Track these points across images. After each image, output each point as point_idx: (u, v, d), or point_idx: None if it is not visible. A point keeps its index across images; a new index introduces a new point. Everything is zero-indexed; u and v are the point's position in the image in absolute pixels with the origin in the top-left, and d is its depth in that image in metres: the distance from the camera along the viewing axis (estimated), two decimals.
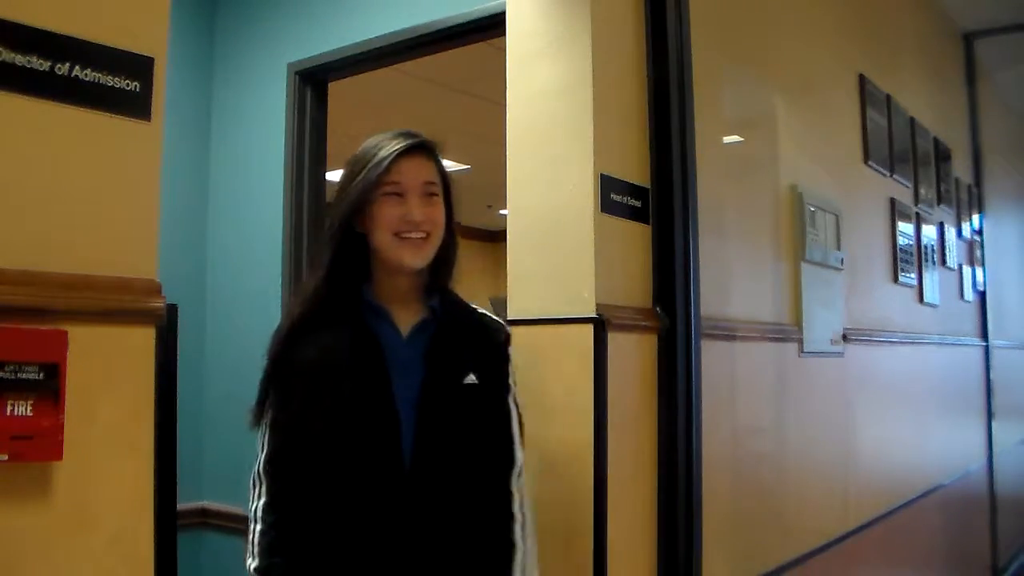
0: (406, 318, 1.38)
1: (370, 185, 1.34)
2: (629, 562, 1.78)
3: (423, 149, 1.39)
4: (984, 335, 4.55)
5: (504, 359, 1.45)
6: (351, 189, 1.36)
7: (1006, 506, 4.61)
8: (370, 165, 1.35)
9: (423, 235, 1.36)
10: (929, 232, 3.84)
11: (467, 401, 1.36)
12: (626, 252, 1.87)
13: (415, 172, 1.37)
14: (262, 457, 1.35)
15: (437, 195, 1.39)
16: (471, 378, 1.36)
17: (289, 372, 1.34)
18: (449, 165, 5.02)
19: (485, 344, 1.43)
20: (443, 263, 1.42)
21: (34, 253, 0.97)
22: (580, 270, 1.76)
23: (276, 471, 1.33)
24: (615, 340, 1.75)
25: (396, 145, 1.37)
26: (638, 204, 1.91)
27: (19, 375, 0.92)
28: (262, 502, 1.33)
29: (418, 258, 1.36)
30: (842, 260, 2.83)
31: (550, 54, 1.86)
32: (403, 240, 1.34)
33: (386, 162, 1.34)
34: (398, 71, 2.84)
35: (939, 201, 4.03)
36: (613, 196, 1.83)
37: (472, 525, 1.36)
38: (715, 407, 2.02)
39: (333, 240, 1.38)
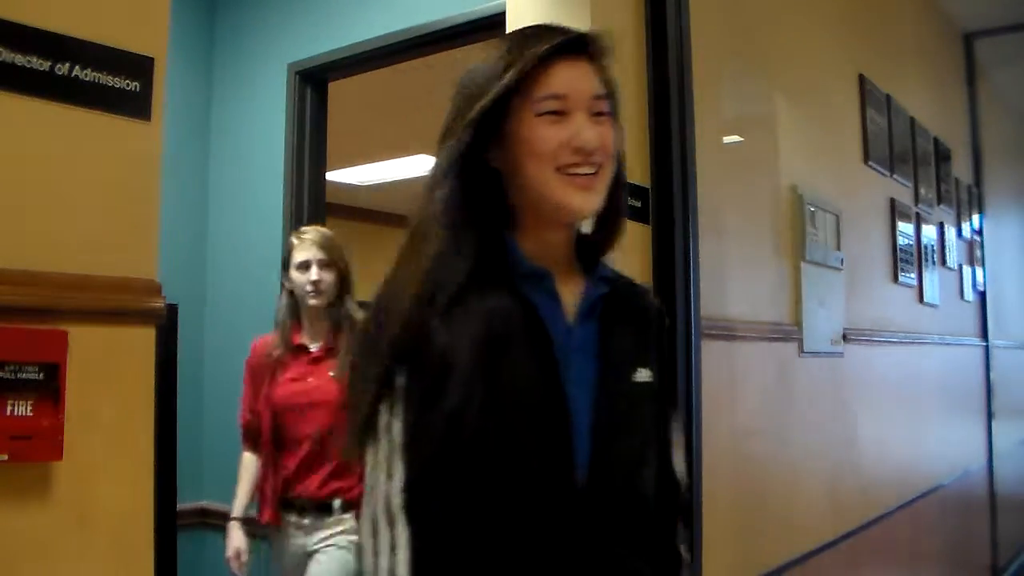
0: (565, 289, 1.00)
1: (513, 95, 0.93)
2: None
3: (588, 49, 0.97)
4: (984, 335, 4.55)
5: (665, 353, 1.11)
6: (478, 106, 0.94)
7: (1006, 506, 4.61)
8: (515, 68, 0.93)
9: (594, 170, 0.95)
10: (929, 232, 3.84)
11: (642, 403, 1.03)
12: (626, 252, 1.87)
13: (582, 81, 0.95)
14: (391, 487, 0.90)
15: (606, 114, 0.97)
16: (643, 374, 1.02)
17: (430, 361, 0.91)
18: None
19: (654, 331, 1.08)
20: (613, 211, 1.03)
21: (34, 253, 0.97)
22: None
23: (423, 504, 0.90)
24: None
25: (552, 40, 0.94)
26: (638, 204, 1.91)
27: (19, 375, 0.92)
28: (403, 556, 0.89)
29: (590, 201, 0.96)
30: (842, 260, 2.83)
31: None
32: (569, 177, 0.94)
33: (538, 63, 0.93)
34: (398, 71, 2.84)
35: (939, 201, 4.04)
36: None
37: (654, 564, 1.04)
38: (715, 407, 2.02)
39: (454, 174, 0.95)
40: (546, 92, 0.94)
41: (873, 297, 3.19)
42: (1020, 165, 5.96)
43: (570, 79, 0.95)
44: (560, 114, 0.94)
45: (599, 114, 0.97)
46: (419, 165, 6.05)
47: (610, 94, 0.99)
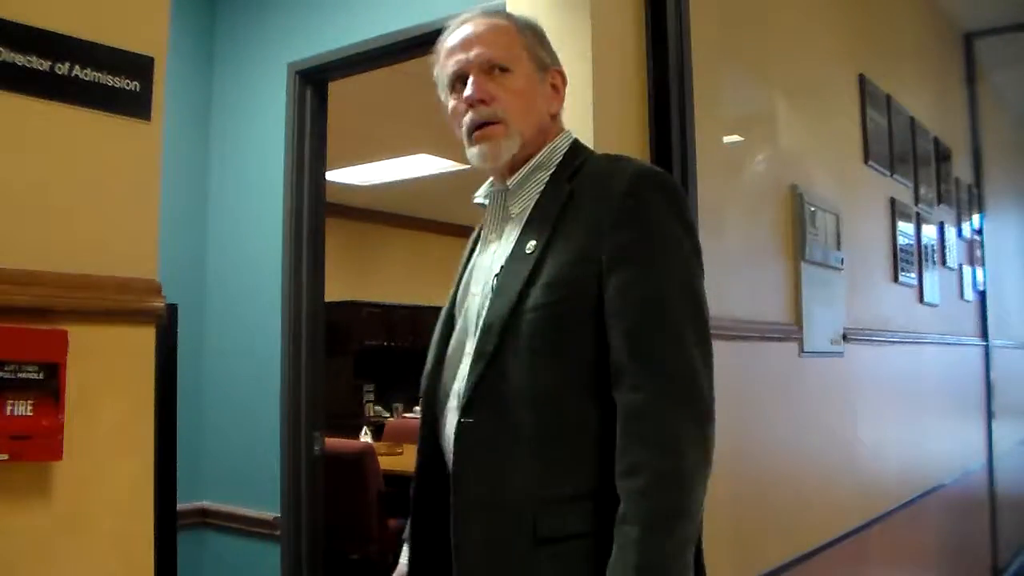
0: None
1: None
2: None
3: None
4: (984, 335, 4.55)
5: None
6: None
7: (1006, 506, 4.61)
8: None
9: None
10: (929, 232, 3.84)
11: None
12: None
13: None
14: None
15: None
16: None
17: None
18: (449, 165, 5.08)
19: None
20: None
21: (34, 253, 0.97)
22: None
23: None
24: None
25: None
26: None
27: (19, 375, 0.92)
28: None
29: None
30: (842, 260, 2.83)
31: None
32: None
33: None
34: (398, 71, 2.83)
35: (939, 201, 4.03)
36: None
37: None
38: (715, 407, 2.01)
39: None
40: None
41: (873, 297, 3.19)
42: (1020, 165, 5.95)
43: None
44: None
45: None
46: (419, 165, 6.04)
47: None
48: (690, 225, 1.21)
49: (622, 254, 1.15)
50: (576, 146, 1.32)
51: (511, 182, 1.28)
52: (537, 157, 1.27)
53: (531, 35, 1.32)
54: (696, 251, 1.21)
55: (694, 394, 1.13)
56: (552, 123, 1.31)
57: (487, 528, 1.13)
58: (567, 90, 1.35)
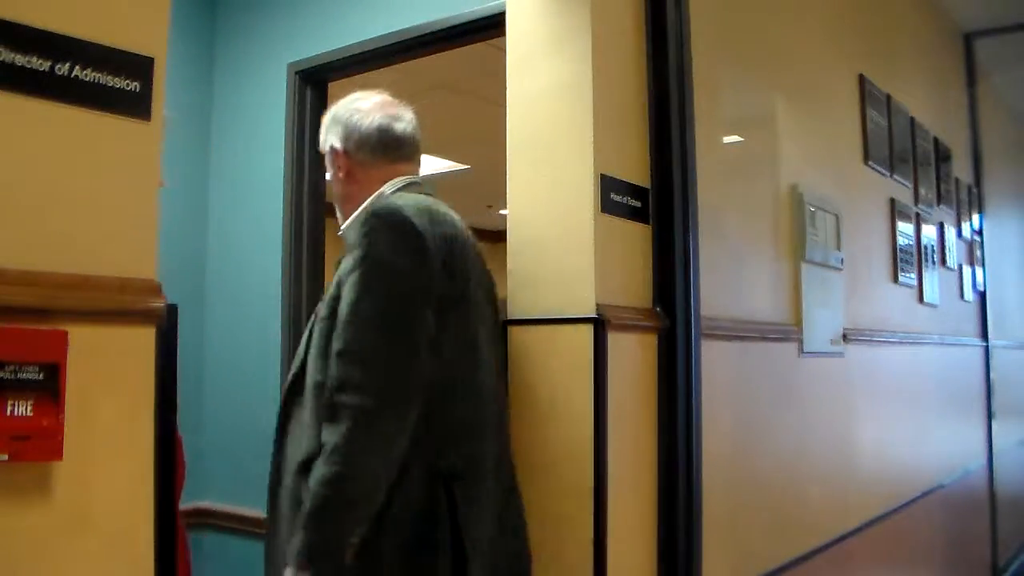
0: None
1: None
2: (629, 562, 1.78)
3: None
4: (984, 335, 4.55)
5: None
6: None
7: (1006, 506, 4.61)
8: None
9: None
10: (929, 232, 3.84)
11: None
12: (626, 252, 1.87)
13: None
14: None
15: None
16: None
17: None
18: (449, 165, 5.05)
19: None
20: None
21: (34, 253, 0.97)
22: (580, 270, 1.76)
23: None
24: (615, 340, 1.74)
25: None
26: (638, 204, 1.91)
27: (19, 375, 0.92)
28: None
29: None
30: (842, 260, 2.83)
31: (550, 54, 1.85)
32: None
33: None
34: (398, 71, 2.83)
35: (939, 201, 4.03)
36: (613, 196, 1.82)
37: None
38: (715, 407, 2.02)
39: None
40: None
41: (873, 297, 3.19)
42: (1020, 165, 5.95)
43: None
44: None
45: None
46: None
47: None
48: (406, 256, 1.44)
49: (344, 276, 1.45)
50: (383, 193, 1.65)
51: (339, 232, 1.72)
52: (359, 210, 1.66)
53: (326, 137, 1.77)
54: (412, 278, 1.44)
55: (337, 402, 1.35)
56: (361, 186, 1.69)
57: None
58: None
